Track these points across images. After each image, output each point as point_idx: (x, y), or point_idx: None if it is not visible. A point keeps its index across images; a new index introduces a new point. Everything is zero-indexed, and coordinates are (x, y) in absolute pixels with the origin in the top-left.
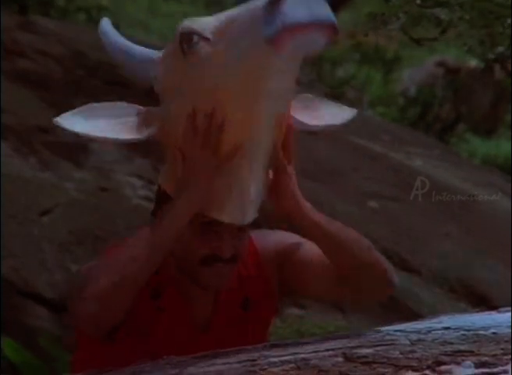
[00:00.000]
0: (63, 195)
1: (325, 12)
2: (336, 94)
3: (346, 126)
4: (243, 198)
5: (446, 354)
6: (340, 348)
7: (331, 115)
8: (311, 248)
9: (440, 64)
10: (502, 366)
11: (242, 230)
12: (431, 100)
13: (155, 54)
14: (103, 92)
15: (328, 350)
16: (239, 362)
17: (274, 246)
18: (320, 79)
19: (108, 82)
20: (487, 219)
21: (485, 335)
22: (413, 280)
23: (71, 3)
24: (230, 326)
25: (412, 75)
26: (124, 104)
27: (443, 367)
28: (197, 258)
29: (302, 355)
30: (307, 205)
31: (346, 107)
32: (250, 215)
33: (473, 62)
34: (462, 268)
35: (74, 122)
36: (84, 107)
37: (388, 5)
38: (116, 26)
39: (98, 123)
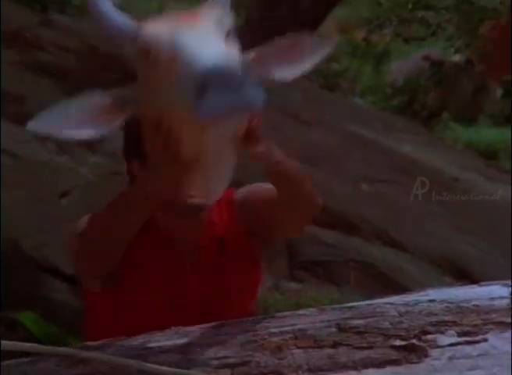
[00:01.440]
0: (79, 178)
1: (247, 97)
2: (331, 85)
3: (340, 115)
4: (207, 189)
5: (431, 324)
6: (334, 320)
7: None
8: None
9: (426, 58)
10: (482, 334)
11: None
12: (417, 90)
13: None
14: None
15: (323, 321)
16: (242, 332)
17: (248, 196)
18: (315, 71)
19: (118, 73)
20: (470, 200)
21: (467, 307)
22: (401, 257)
23: (86, 2)
24: (211, 271)
25: (400, 67)
26: (96, 94)
27: (429, 336)
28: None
29: (299, 326)
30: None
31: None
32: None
33: (456, 57)
34: (447, 245)
35: (48, 124)
36: (57, 106)
37: (381, 9)
38: None
39: (73, 122)
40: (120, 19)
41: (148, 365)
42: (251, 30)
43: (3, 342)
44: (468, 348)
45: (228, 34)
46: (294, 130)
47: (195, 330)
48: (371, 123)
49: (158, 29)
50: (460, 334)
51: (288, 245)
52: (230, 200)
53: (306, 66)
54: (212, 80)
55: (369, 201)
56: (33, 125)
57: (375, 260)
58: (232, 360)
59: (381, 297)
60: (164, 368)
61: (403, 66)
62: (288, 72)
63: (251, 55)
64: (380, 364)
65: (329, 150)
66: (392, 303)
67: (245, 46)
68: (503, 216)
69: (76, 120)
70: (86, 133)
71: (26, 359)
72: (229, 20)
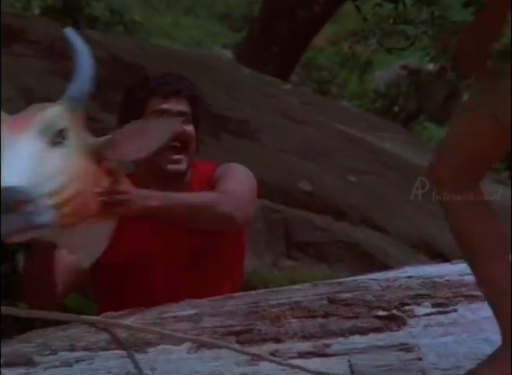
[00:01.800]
0: None
1: (33, 219)
2: (323, 90)
3: (331, 116)
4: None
5: (409, 297)
6: (325, 293)
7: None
8: None
9: (404, 67)
10: (453, 306)
11: (184, 120)
12: (397, 95)
13: None
14: None
15: (315, 294)
16: (245, 304)
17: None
18: (309, 78)
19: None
20: None
21: (440, 282)
22: (383, 239)
23: (112, 18)
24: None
25: (382, 76)
26: None
27: (407, 307)
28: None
29: (295, 299)
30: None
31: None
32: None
33: (431, 66)
34: (423, 229)
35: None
36: None
37: (366, 23)
38: (147, 35)
39: None
40: None
41: (165, 331)
42: (253, 43)
43: (2, 308)
44: (441, 317)
45: (58, 135)
46: (292, 129)
47: (204, 302)
48: (358, 123)
49: None
50: (433, 306)
51: (285, 229)
52: (211, 176)
53: (153, 146)
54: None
55: (355, 191)
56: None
57: (360, 241)
58: (237, 328)
59: (365, 273)
60: (179, 334)
61: (384, 74)
62: (138, 153)
63: (108, 138)
64: (365, 331)
65: (321, 146)
66: (375, 279)
67: (247, 57)
68: None
69: None
70: None
71: (60, 326)
72: (66, 119)
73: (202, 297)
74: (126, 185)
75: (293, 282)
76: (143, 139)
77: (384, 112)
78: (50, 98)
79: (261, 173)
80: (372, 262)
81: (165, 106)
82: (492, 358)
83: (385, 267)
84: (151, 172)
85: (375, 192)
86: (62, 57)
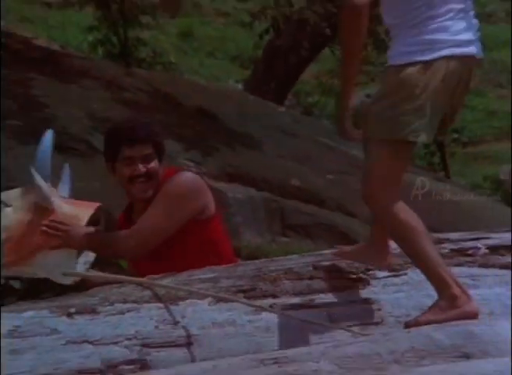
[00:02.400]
0: None
1: None
2: (308, 112)
3: (315, 131)
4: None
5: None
6: (310, 262)
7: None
8: None
9: (368, 95)
10: (403, 271)
11: (148, 159)
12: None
13: None
14: (168, 111)
15: (303, 263)
16: (251, 270)
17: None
18: (298, 103)
19: (172, 106)
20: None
21: (395, 253)
22: (354, 222)
23: (154, 60)
24: None
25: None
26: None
27: (370, 272)
28: (126, 180)
29: (288, 266)
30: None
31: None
32: None
33: None
34: None
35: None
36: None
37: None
38: (181, 73)
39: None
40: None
41: (192, 289)
42: (257, 79)
43: (65, 271)
44: (395, 279)
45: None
46: (285, 141)
47: (221, 268)
48: (334, 136)
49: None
50: (390, 270)
51: (281, 214)
52: (161, 184)
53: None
54: None
55: (332, 186)
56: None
57: (337, 223)
58: (244, 287)
59: (335, 246)
60: (202, 291)
61: (353, 100)
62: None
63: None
64: (339, 290)
65: (307, 153)
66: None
67: (253, 88)
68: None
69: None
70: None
71: (114, 285)
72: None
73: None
74: (64, 222)
75: (287, 253)
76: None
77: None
78: (109, 119)
79: (263, 173)
80: (346, 239)
81: (132, 153)
82: (431, 308)
83: (355, 243)
84: (131, 198)
85: (346, 187)
86: (119, 89)
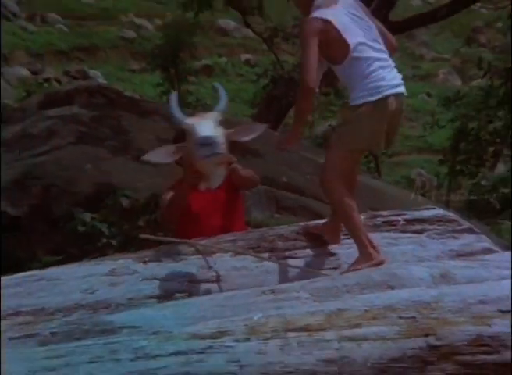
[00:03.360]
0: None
1: (216, 150)
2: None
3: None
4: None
5: None
6: (294, 230)
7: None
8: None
9: (329, 125)
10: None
11: None
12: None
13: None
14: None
15: (290, 231)
16: (257, 234)
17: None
18: (287, 130)
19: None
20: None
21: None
22: (322, 205)
23: (197, 103)
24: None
25: (321, 129)
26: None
27: None
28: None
29: (280, 232)
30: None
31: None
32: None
33: None
34: None
35: (153, 156)
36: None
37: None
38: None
39: (160, 155)
40: (178, 114)
41: (220, 247)
42: (260, 115)
43: (142, 235)
44: (348, 240)
45: (219, 123)
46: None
47: (239, 234)
48: (310, 149)
49: (189, 120)
50: (344, 234)
51: (276, 200)
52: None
53: (252, 136)
54: (202, 143)
55: (309, 182)
56: (146, 157)
57: (312, 206)
58: (253, 245)
59: (310, 220)
60: (226, 248)
61: (323, 127)
62: (245, 138)
63: (231, 131)
64: (315, 247)
65: (293, 160)
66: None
67: (258, 121)
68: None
69: (164, 154)
70: (166, 160)
71: (169, 244)
72: (221, 115)
73: (227, 231)
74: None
75: (280, 225)
76: (246, 132)
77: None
78: (169, 140)
79: (264, 173)
80: (318, 217)
81: None
82: (356, 260)
83: (321, 218)
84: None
85: (317, 183)
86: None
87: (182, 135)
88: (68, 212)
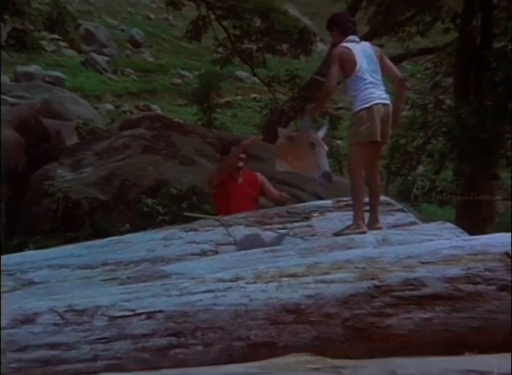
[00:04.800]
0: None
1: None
2: None
3: None
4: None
5: (312, 211)
6: (285, 210)
7: None
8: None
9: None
10: (327, 213)
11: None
12: None
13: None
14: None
15: (282, 210)
16: (260, 213)
17: (265, 183)
18: None
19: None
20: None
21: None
22: (304, 195)
23: (220, 126)
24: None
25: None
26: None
27: (313, 214)
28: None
29: (275, 212)
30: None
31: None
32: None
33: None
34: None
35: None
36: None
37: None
38: (231, 132)
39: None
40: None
41: (236, 220)
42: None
43: (185, 213)
44: (320, 217)
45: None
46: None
47: (250, 212)
48: None
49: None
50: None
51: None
52: (253, 178)
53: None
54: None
55: (295, 178)
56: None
57: (297, 195)
58: (259, 220)
59: (295, 204)
60: (239, 221)
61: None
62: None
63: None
64: (297, 221)
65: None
66: (301, 206)
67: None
68: None
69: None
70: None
71: (201, 220)
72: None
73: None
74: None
75: (275, 206)
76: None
77: None
78: (203, 148)
79: (265, 172)
80: (301, 201)
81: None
82: (348, 227)
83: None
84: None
85: (303, 179)
86: (204, 137)
87: (228, 147)
88: (137, 198)
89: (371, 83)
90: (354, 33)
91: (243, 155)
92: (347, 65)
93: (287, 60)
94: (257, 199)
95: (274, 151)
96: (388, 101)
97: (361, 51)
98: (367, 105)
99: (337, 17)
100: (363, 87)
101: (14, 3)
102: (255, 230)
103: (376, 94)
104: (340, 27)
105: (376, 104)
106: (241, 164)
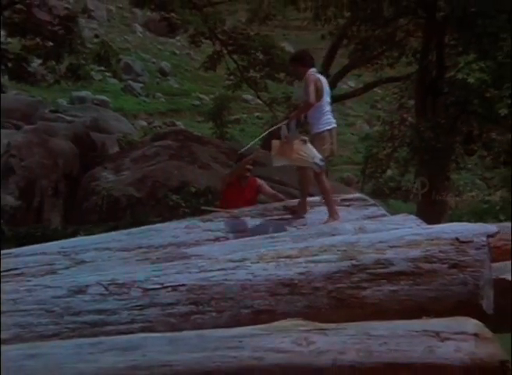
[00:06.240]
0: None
1: None
2: None
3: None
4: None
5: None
6: (283, 205)
7: None
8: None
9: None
10: (316, 207)
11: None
12: None
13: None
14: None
15: (280, 205)
16: (262, 206)
17: (263, 186)
18: None
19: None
20: None
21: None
22: (295, 191)
23: (230, 138)
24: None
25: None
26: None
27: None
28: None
29: (273, 206)
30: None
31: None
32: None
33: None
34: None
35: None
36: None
37: None
38: (241, 145)
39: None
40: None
41: (245, 214)
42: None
43: (202, 207)
44: (312, 210)
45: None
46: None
47: (254, 207)
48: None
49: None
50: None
51: (271, 187)
52: (254, 182)
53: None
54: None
55: (290, 178)
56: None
57: (290, 192)
58: (261, 213)
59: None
60: (250, 214)
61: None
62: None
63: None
64: (291, 214)
65: (283, 170)
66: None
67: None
68: None
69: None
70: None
71: (215, 213)
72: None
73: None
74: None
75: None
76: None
77: None
78: (217, 159)
79: (266, 175)
80: (295, 198)
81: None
82: (326, 219)
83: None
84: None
85: (296, 179)
86: (218, 147)
87: (241, 158)
88: (164, 195)
89: (328, 110)
90: (314, 66)
91: (250, 166)
92: (318, 92)
93: (284, 86)
94: (256, 200)
95: (271, 155)
96: (335, 124)
97: (325, 82)
98: (328, 127)
99: (301, 53)
100: (325, 111)
101: (70, 43)
102: (258, 220)
103: (331, 118)
104: (304, 61)
105: (334, 127)
106: (248, 174)
